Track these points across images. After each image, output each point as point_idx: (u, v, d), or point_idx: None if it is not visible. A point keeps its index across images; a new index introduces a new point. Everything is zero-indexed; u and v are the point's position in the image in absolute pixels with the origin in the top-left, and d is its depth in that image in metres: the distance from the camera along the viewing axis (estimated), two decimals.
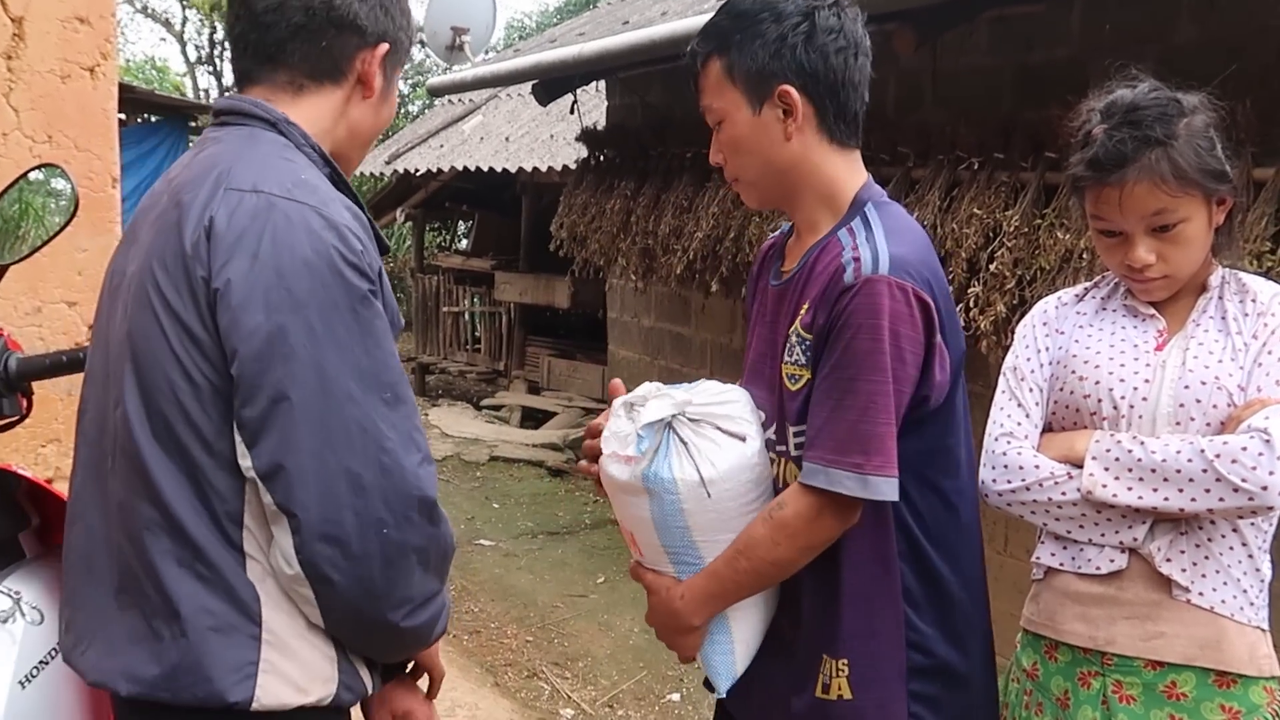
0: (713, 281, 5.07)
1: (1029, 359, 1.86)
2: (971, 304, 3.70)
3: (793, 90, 1.66)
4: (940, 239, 3.88)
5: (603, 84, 7.17)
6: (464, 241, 13.66)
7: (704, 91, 1.74)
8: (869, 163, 4.43)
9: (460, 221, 13.86)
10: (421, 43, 8.62)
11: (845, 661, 1.68)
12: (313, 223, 1.36)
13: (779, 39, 1.66)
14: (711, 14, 1.78)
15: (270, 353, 1.31)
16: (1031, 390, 1.83)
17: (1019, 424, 1.80)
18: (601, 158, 6.26)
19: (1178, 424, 1.70)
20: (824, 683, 1.68)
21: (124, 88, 14.22)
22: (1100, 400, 1.76)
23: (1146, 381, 1.74)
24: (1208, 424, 1.69)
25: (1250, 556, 1.72)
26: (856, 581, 1.66)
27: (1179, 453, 1.65)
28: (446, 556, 1.45)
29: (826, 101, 1.68)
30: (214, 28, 19.22)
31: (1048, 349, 1.85)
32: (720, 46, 1.70)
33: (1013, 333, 3.67)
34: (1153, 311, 1.80)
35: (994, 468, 1.79)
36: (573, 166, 6.84)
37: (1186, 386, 1.70)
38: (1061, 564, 1.78)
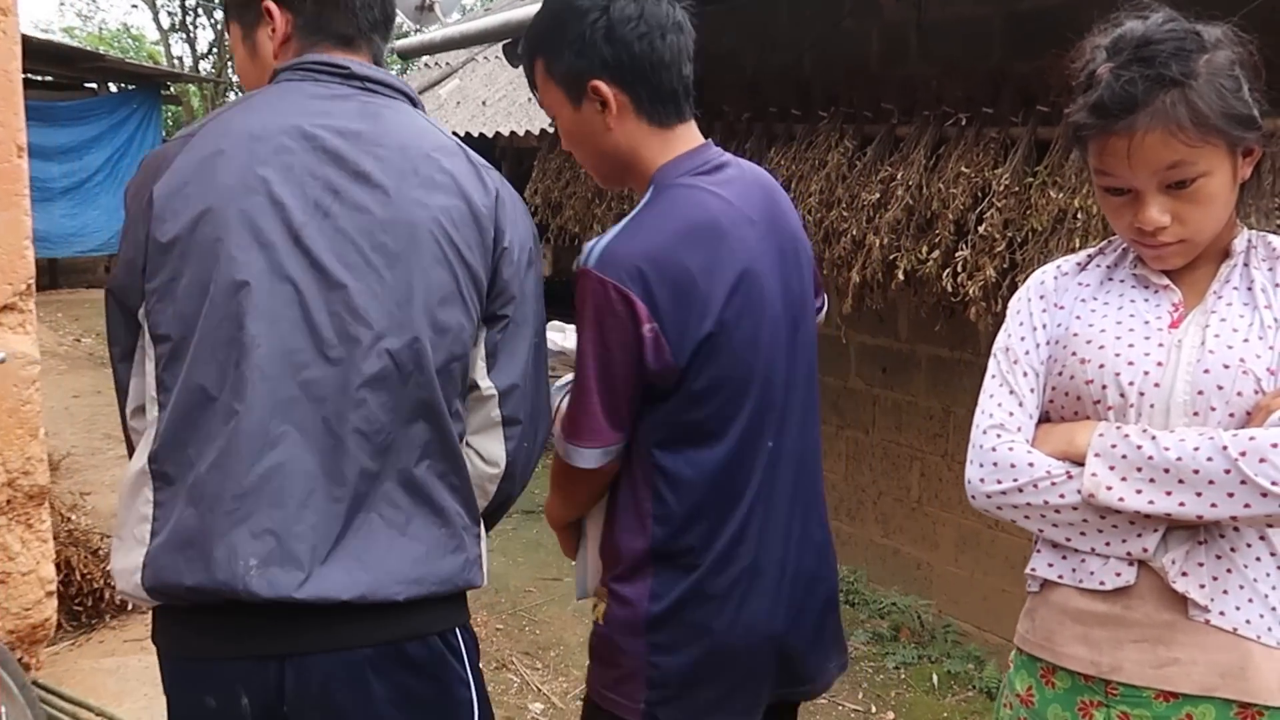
0: None
1: (1023, 338, 1.62)
2: (959, 268, 3.51)
3: (603, 84, 1.74)
4: (926, 200, 3.68)
5: None
6: None
7: (537, 90, 1.84)
8: (851, 119, 4.25)
9: None
10: None
11: (606, 592, 1.86)
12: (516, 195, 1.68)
13: (580, 37, 1.74)
14: None
15: (524, 296, 1.62)
16: (1026, 374, 1.60)
17: (1010, 414, 1.58)
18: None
19: (1195, 414, 1.46)
20: (597, 609, 1.88)
21: (93, 55, 13.93)
22: (1105, 386, 1.52)
23: (1159, 365, 1.50)
24: (1231, 414, 1.45)
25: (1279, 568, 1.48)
26: (617, 532, 1.84)
27: (1197, 450, 1.41)
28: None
29: (639, 88, 1.75)
30: None
31: (1044, 326, 1.62)
32: (538, 48, 1.81)
33: (1004, 299, 3.52)
34: (1167, 282, 1.56)
35: (981, 465, 1.56)
36: (550, 130, 6.61)
37: (1206, 370, 1.46)
38: (1060, 576, 1.56)
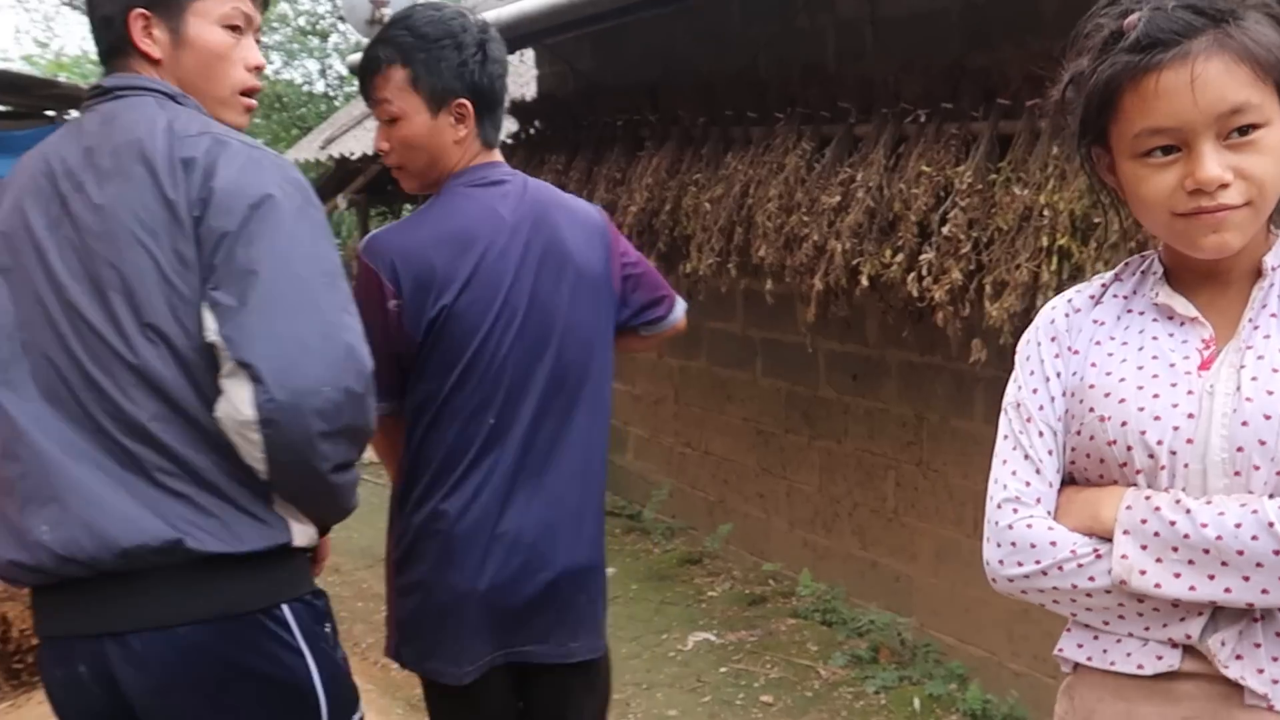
0: (650, 258, 4.70)
1: (1035, 390, 1.39)
2: (924, 272, 3.35)
3: (468, 104, 2.12)
4: (888, 201, 3.53)
5: (530, 54, 6.78)
6: None
7: (382, 90, 2.12)
8: (809, 120, 4.11)
9: (405, 205, 13.42)
10: (341, 18, 8.19)
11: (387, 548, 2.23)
12: (263, 152, 1.68)
13: (461, 64, 2.10)
14: None
15: (239, 239, 1.58)
16: (1041, 434, 1.37)
17: (1027, 484, 1.36)
18: (533, 130, 5.89)
19: (1236, 474, 1.24)
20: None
21: (48, 83, 13.70)
22: (1130, 448, 1.29)
23: (1190, 416, 1.26)
24: (1278, 473, 1.22)
25: None
26: (394, 487, 2.21)
27: (1239, 526, 1.19)
28: (368, 428, 1.68)
29: (485, 114, 2.16)
30: None
31: (1058, 375, 1.38)
32: (405, 59, 2.09)
33: (971, 303, 3.37)
34: (1194, 314, 1.32)
35: (999, 545, 1.34)
36: (510, 142, 6.47)
37: (1244, 423, 1.23)
38: (1090, 659, 1.36)
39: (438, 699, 2.23)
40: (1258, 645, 1.24)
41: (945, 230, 3.31)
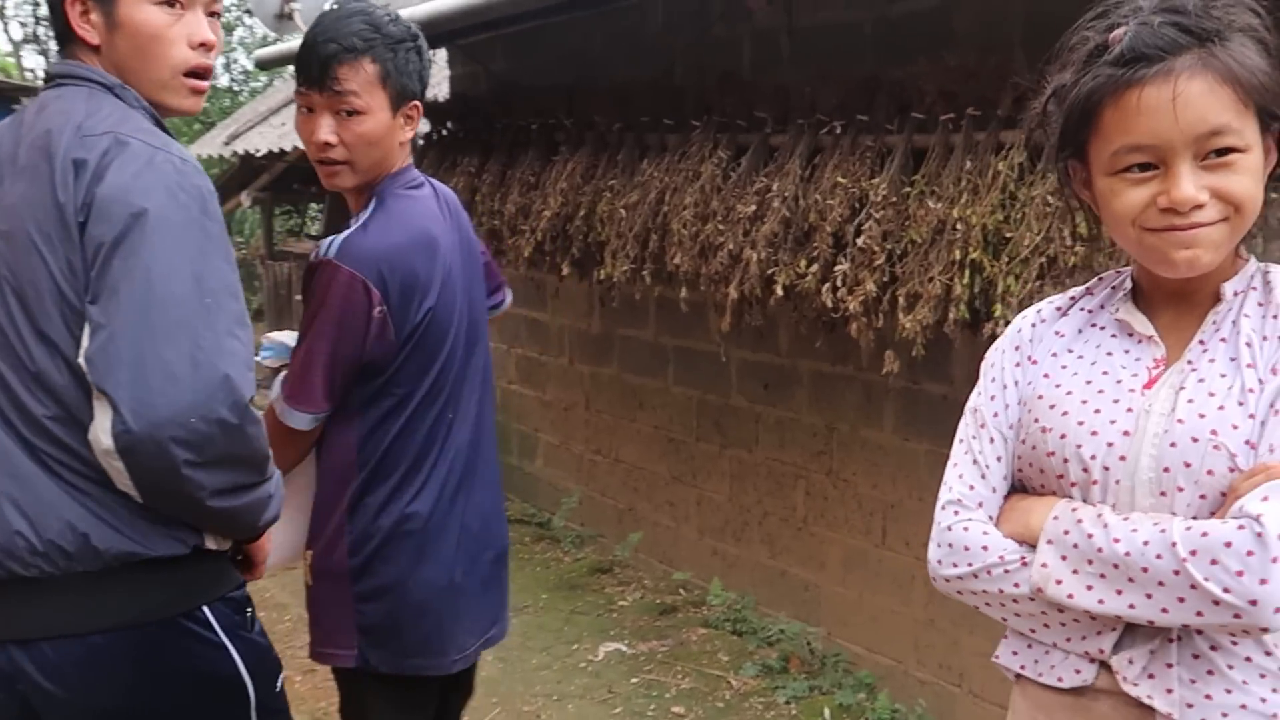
0: (564, 264, 4.66)
1: (993, 397, 1.41)
2: (839, 283, 3.35)
3: (419, 107, 2.20)
4: (803, 211, 3.53)
5: (443, 53, 6.68)
6: (316, 225, 12.97)
7: (349, 81, 2.07)
8: (725, 129, 4.10)
9: (311, 204, 13.15)
10: (248, 11, 8.00)
11: (310, 553, 2.18)
12: (166, 156, 1.58)
13: (422, 68, 2.18)
14: None
15: (116, 251, 1.50)
16: (993, 440, 1.39)
17: (971, 487, 1.38)
18: (445, 132, 5.79)
19: (1162, 494, 1.24)
20: (305, 569, 2.19)
21: None
22: (1067, 460, 1.31)
23: (1125, 434, 1.27)
24: (1202, 496, 1.22)
25: (1277, 672, 1.25)
26: (323, 488, 2.16)
27: (1146, 544, 1.19)
28: (256, 453, 1.60)
29: (419, 118, 2.23)
30: (37, 3, 18.04)
31: (1016, 384, 1.40)
32: (377, 55, 2.09)
33: (884, 314, 3.39)
34: (1151, 333, 1.33)
35: (939, 545, 1.38)
36: (421, 142, 6.36)
37: (1173, 444, 1.24)
38: (1023, 668, 1.37)
39: (410, 694, 2.23)
40: (1170, 665, 1.24)
41: (860, 242, 3.32)
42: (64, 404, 1.55)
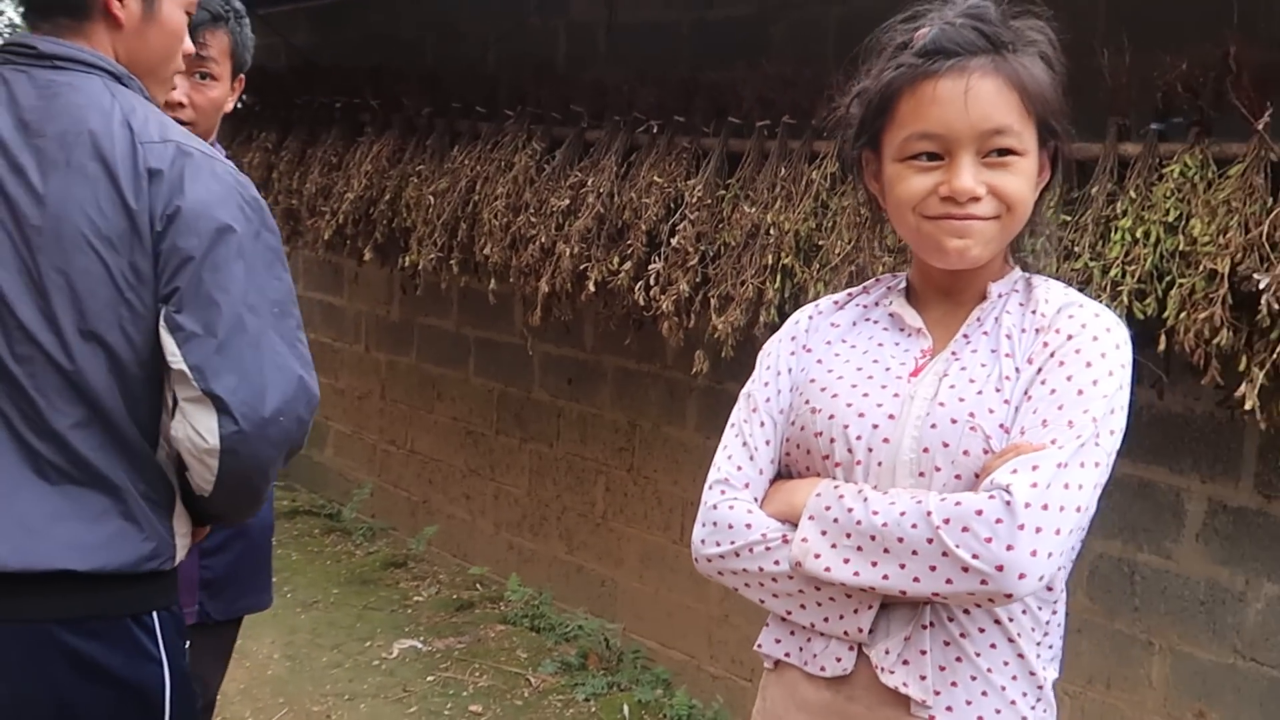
0: (366, 249, 4.50)
1: (766, 383, 1.45)
2: (652, 281, 3.37)
3: (244, 80, 2.32)
4: (618, 209, 3.53)
5: None
6: None
7: (211, 46, 2.16)
8: (539, 120, 4.06)
9: None
10: None
11: None
12: (224, 168, 1.64)
13: (251, 42, 2.30)
14: None
15: (205, 264, 1.56)
16: (763, 424, 1.42)
17: (739, 468, 1.40)
18: (240, 104, 5.50)
19: (921, 474, 1.29)
20: None
21: None
22: (833, 440, 1.35)
23: (890, 418, 1.32)
24: (957, 476, 1.27)
25: (1020, 656, 1.31)
26: None
27: (903, 515, 1.23)
28: (301, 449, 1.73)
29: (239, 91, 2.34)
30: None
31: (790, 370, 1.44)
32: (230, 26, 2.19)
33: (696, 314, 3.43)
34: (920, 325, 1.39)
35: (703, 525, 1.39)
36: None
37: (933, 425, 1.29)
38: (787, 655, 1.39)
39: (232, 633, 2.42)
40: (924, 652, 1.29)
41: (674, 241, 3.34)
42: (97, 407, 1.57)
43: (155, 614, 1.68)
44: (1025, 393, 1.28)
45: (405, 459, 5.49)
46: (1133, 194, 2.53)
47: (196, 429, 1.57)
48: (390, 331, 5.54)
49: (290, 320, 1.67)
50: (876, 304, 1.46)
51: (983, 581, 1.19)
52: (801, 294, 3.04)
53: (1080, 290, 1.48)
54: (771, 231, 3.12)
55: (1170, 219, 2.46)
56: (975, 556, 1.18)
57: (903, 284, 1.47)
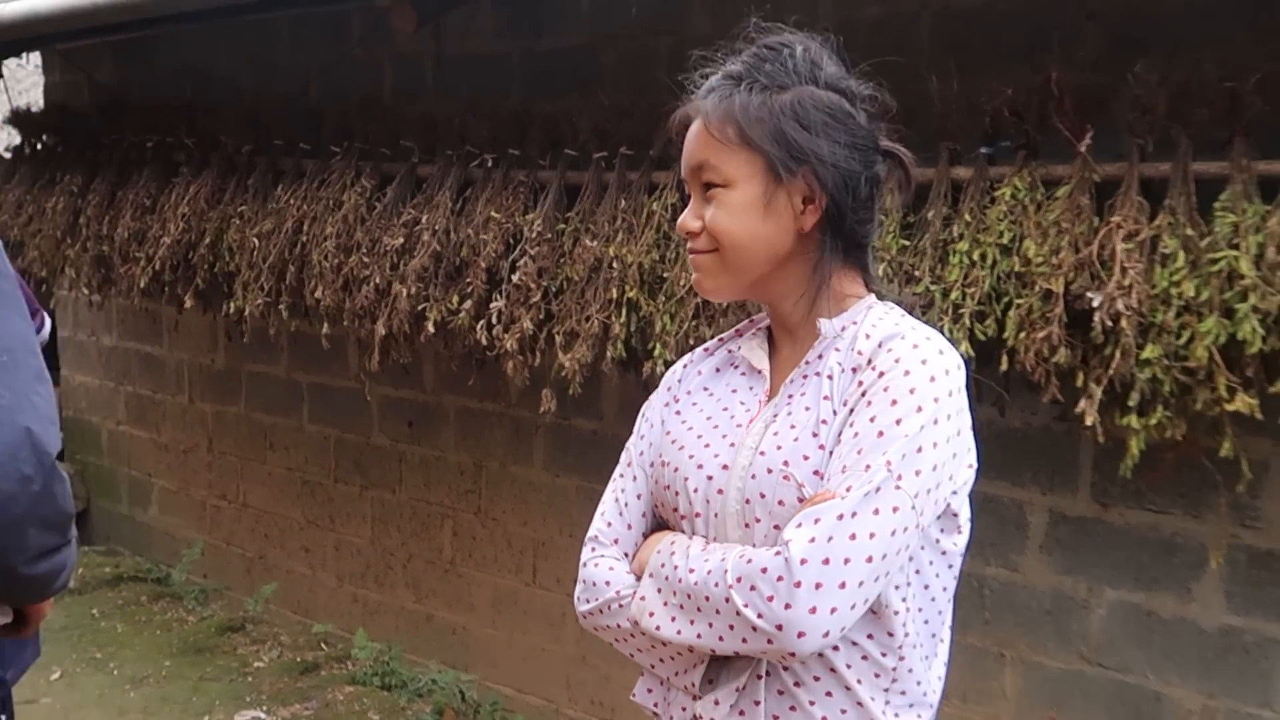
0: (186, 295, 4.27)
1: (642, 436, 1.43)
2: (495, 319, 3.28)
3: None
4: (455, 246, 3.42)
5: (37, 57, 6.00)
6: None
7: None
8: (368, 156, 3.92)
9: None
10: None
11: None
12: None
13: None
14: None
15: None
16: (635, 478, 1.40)
17: (609, 524, 1.39)
18: (40, 145, 5.17)
19: (746, 526, 1.27)
20: None
21: None
22: (678, 493, 1.33)
23: (724, 468, 1.30)
24: (775, 527, 1.24)
25: (859, 705, 1.25)
26: None
27: (709, 573, 1.22)
28: (62, 513, 1.53)
29: None
30: None
31: (662, 422, 1.42)
32: None
33: (541, 352, 3.35)
34: (761, 366, 1.37)
35: (579, 582, 1.38)
36: (6, 155, 5.64)
37: (753, 476, 1.26)
38: (655, 705, 1.37)
39: None
40: (757, 703, 1.27)
41: (515, 278, 3.26)
42: None
43: None
44: (839, 437, 1.23)
45: (238, 513, 5.22)
46: (968, 217, 2.57)
47: None
48: (216, 380, 5.27)
49: (22, 368, 1.51)
50: (741, 348, 1.43)
51: (769, 641, 1.17)
52: (648, 327, 3.00)
53: (923, 313, 1.47)
54: (614, 265, 3.07)
55: (1005, 241, 2.51)
56: (760, 616, 1.16)
57: (766, 322, 1.44)
